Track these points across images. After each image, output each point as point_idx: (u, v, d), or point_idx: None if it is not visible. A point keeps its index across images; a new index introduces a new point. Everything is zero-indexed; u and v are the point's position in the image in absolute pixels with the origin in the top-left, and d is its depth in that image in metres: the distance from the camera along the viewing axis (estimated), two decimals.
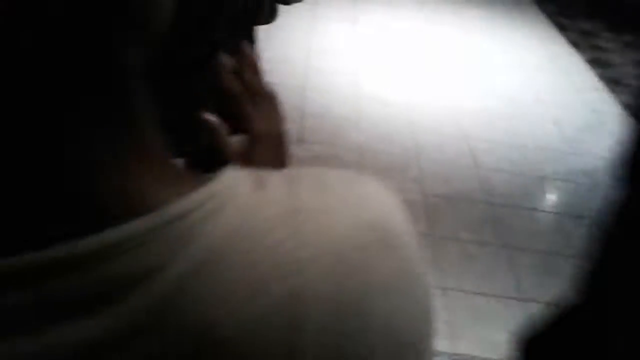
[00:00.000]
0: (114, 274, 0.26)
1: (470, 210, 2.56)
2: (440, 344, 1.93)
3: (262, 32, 3.93)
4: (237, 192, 0.30)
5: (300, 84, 3.42)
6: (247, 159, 0.64)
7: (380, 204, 0.32)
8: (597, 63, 4.44)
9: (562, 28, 5.03)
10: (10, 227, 0.26)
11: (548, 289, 2.21)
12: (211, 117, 0.70)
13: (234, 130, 0.71)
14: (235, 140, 0.68)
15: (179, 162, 0.32)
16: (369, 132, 3.04)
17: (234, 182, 0.30)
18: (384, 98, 3.41)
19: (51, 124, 0.26)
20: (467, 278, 2.18)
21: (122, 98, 0.29)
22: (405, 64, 3.91)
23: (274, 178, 0.32)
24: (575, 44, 4.73)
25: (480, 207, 2.59)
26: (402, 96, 3.47)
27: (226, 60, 0.70)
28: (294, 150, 2.64)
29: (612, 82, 4.14)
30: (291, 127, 2.96)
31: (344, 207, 0.31)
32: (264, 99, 0.75)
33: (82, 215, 0.27)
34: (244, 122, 0.71)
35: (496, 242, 2.38)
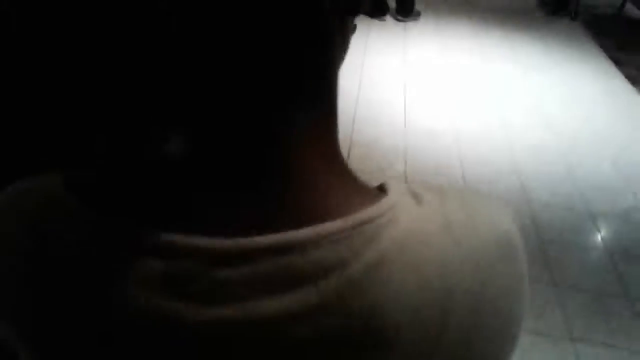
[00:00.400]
0: (316, 261, 0.33)
1: None
2: None
3: None
4: (405, 206, 0.37)
5: (350, 114, 3.47)
6: None
7: (505, 221, 0.40)
8: None
9: (619, 63, 4.93)
10: (235, 218, 0.34)
11: (598, 330, 2.14)
12: None
13: None
14: None
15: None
16: (416, 163, 3.05)
17: (401, 197, 0.37)
18: (432, 129, 3.41)
19: (271, 128, 0.34)
20: None
21: (329, 110, 0.38)
22: (455, 97, 3.91)
23: (427, 194, 0.39)
24: (633, 80, 4.62)
25: (531, 243, 2.54)
26: (451, 128, 3.46)
27: None
28: None
29: None
30: None
31: (482, 224, 0.38)
32: None
33: (298, 213, 0.34)
34: None
35: (547, 280, 2.33)
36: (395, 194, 0.37)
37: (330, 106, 0.37)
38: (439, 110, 3.69)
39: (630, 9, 6.20)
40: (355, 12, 0.37)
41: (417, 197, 0.38)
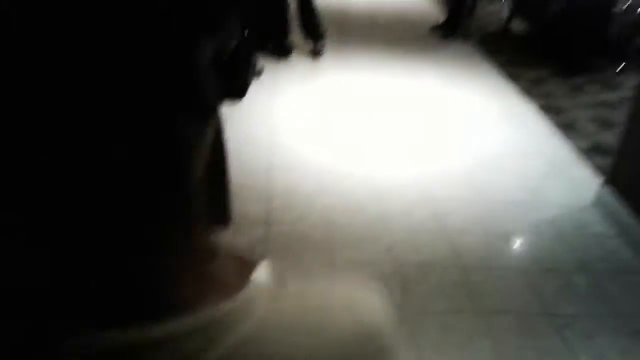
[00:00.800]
0: (170, 357, 0.34)
1: (443, 276, 2.59)
2: None
3: (225, 112, 3.97)
4: (263, 298, 0.38)
5: (266, 163, 3.48)
6: None
7: (368, 312, 0.40)
8: (549, 109, 4.61)
9: (513, 78, 5.25)
10: (92, 315, 0.34)
11: (526, 352, 2.23)
12: None
13: None
14: None
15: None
16: (336, 206, 3.09)
17: (260, 290, 0.38)
18: (347, 169, 3.48)
19: (130, 230, 0.34)
20: (446, 351, 2.19)
21: (189, 210, 0.38)
22: (366, 131, 4.01)
23: (291, 284, 0.40)
24: (527, 92, 4.93)
25: (453, 271, 2.62)
26: (365, 165, 3.54)
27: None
28: (263, 232, 2.67)
29: (566, 127, 4.30)
30: (259, 209, 3.00)
31: (342, 316, 0.39)
32: None
33: (155, 309, 0.35)
34: None
35: (472, 308, 2.41)
36: (255, 287, 0.38)
37: (190, 215, 0.38)
38: (349, 147, 3.77)
39: (515, 24, 6.64)
40: (207, 119, 0.38)
41: (278, 289, 0.39)
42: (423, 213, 3.07)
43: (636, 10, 5.40)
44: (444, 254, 2.75)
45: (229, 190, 2.25)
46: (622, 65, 5.53)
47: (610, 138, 4.09)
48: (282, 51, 5.25)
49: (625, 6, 5.48)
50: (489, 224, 3.02)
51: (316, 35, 5.30)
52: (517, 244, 2.89)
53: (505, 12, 6.87)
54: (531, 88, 5.05)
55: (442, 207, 3.14)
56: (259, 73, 4.71)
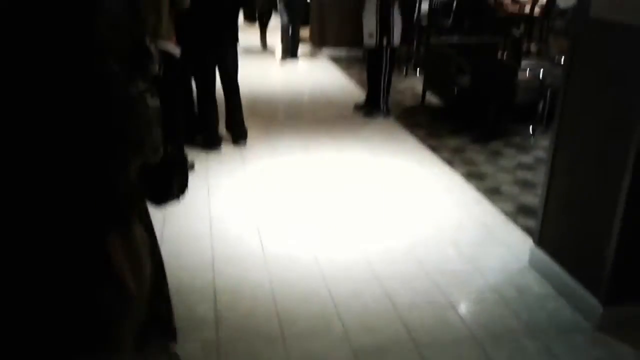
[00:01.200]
0: None
1: (399, 356, 2.60)
2: None
3: (161, 212, 3.85)
4: None
5: (208, 258, 3.43)
6: None
7: None
8: (473, 176, 4.86)
9: (434, 149, 5.51)
10: None
11: None
12: None
13: None
14: None
15: None
16: (285, 296, 3.06)
17: None
18: (291, 256, 3.48)
19: None
20: None
21: None
22: (304, 214, 4.06)
23: None
24: (450, 162, 5.18)
25: (408, 349, 2.64)
26: (308, 249, 3.57)
27: None
28: (213, 333, 2.60)
29: (491, 192, 4.53)
30: (205, 308, 2.93)
31: None
32: None
33: None
34: None
35: None
36: None
37: None
38: (290, 231, 3.79)
39: (429, 98, 7.06)
40: None
41: None
42: (371, 293, 3.10)
43: (538, 78, 5.89)
44: (396, 333, 2.76)
45: (170, 302, 2.19)
46: (531, 128, 5.96)
47: (532, 199, 4.34)
48: (212, 142, 5.31)
49: (527, 72, 5.99)
50: (435, 296, 3.09)
51: (239, 133, 5.46)
52: (464, 313, 2.96)
53: (419, 87, 7.31)
54: (453, 157, 5.32)
55: (388, 284, 3.18)
56: (191, 167, 4.73)
